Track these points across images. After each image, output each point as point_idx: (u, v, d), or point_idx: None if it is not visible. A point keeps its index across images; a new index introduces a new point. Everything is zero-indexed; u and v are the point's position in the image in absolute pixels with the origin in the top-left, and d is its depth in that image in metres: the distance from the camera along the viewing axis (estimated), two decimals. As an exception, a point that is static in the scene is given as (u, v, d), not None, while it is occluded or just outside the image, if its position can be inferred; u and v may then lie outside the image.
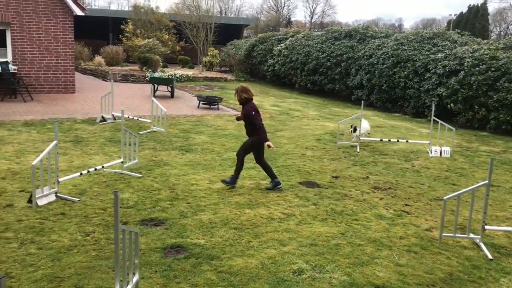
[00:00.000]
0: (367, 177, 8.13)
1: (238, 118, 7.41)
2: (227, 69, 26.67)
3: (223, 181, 7.14)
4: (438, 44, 15.80)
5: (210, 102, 14.91)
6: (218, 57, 26.66)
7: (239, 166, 7.11)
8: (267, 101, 17.12)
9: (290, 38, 22.00)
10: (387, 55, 16.37)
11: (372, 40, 18.09)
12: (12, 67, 14.20)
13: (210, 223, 5.72)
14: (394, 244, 5.40)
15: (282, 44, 21.99)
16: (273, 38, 23.70)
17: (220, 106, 14.94)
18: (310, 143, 10.57)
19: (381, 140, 10.51)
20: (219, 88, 20.26)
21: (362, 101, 11.40)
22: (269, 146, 6.91)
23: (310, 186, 7.47)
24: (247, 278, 4.45)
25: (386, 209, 6.59)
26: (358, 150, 10.03)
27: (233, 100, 16.59)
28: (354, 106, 16.92)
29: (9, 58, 14.58)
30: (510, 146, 11.37)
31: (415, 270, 4.79)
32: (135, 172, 7.54)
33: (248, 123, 7.06)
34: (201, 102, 14.88)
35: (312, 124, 12.92)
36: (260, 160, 7.17)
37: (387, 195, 7.19)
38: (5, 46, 14.60)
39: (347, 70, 18.14)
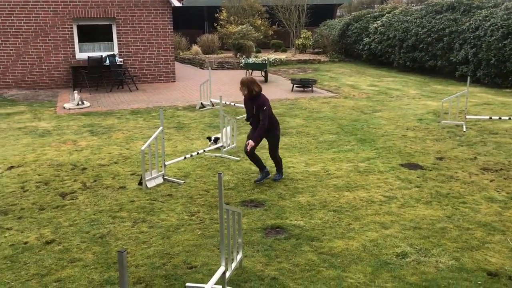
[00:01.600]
0: (475, 158, 7.61)
1: (248, 119, 6.72)
2: (320, 50, 26.29)
3: (257, 181, 6.52)
4: (557, 10, 14.19)
5: (304, 84, 14.83)
6: (311, 39, 26.35)
7: (279, 162, 6.65)
8: (363, 81, 16.64)
9: (387, 15, 21.09)
10: (496, 26, 15.05)
11: (478, 11, 16.73)
12: (118, 60, 15.24)
13: (309, 205, 5.73)
14: (508, 229, 5.02)
15: (378, 21, 21.16)
16: (368, 15, 22.87)
17: (314, 88, 14.81)
18: (411, 123, 10.11)
19: (490, 118, 9.74)
20: (312, 70, 20.08)
21: (468, 77, 10.62)
22: (248, 145, 6.28)
23: (413, 168, 7.17)
24: (349, 260, 4.41)
25: (498, 191, 6.13)
26: (464, 129, 9.40)
27: (327, 82, 16.37)
28: (458, 83, 15.85)
29: (116, 51, 15.65)
30: None
31: (533, 257, 4.42)
32: (233, 156, 7.76)
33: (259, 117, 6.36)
34: (295, 85, 14.85)
35: (412, 104, 12.34)
36: (275, 153, 6.60)
37: (498, 177, 6.68)
38: (111, 40, 15.69)
39: (450, 45, 17.00)
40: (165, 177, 6.69)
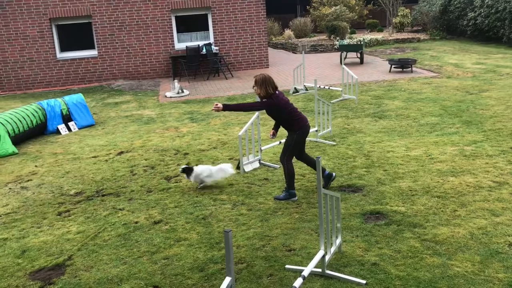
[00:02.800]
0: None
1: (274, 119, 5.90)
2: (419, 28, 24.93)
3: (277, 198, 5.55)
4: None
5: (403, 65, 14.18)
6: (409, 17, 25.07)
7: (290, 173, 5.51)
8: (468, 59, 15.51)
9: (494, -14, 19.37)
10: None
11: None
12: (214, 48, 15.69)
13: (410, 190, 5.51)
14: None
15: (484, -6, 19.52)
16: (473, -12, 21.18)
17: (413, 69, 14.11)
18: (524, 103, 9.27)
19: None
20: (411, 49, 19.12)
21: None
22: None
23: (526, 151, 6.58)
24: (455, 248, 4.18)
25: None
26: None
27: (428, 61, 15.51)
28: None
29: (211, 39, 16.13)
30: None
31: None
32: (329, 140, 7.67)
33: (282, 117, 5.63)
34: (392, 66, 14.26)
35: (525, 81, 11.29)
36: (302, 156, 5.80)
37: None
38: (207, 29, 16.18)
39: None
40: (261, 161, 6.80)
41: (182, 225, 5.04)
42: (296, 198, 5.48)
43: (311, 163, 5.75)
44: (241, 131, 6.47)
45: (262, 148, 6.98)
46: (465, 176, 5.83)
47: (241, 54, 16.47)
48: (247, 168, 6.57)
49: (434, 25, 23.09)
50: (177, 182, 6.32)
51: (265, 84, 5.39)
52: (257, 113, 6.77)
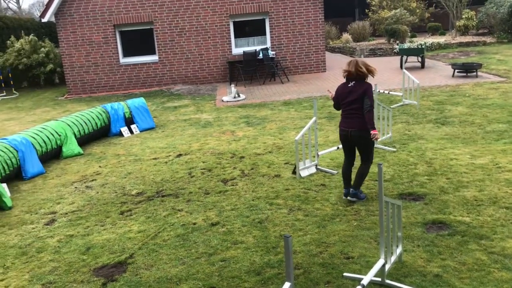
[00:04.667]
0: None
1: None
2: (485, 31, 23.84)
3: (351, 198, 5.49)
4: None
5: (467, 69, 13.59)
6: (474, 19, 24.05)
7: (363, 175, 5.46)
8: (538, 63, 14.64)
9: None
10: None
11: None
12: (271, 53, 15.75)
13: (475, 200, 5.25)
14: None
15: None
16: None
17: (479, 73, 13.49)
18: None
19: None
20: (476, 53, 18.32)
21: None
22: (376, 138, 5.22)
23: None
24: (527, 263, 3.93)
25: None
26: None
27: (495, 65, 14.79)
28: None
29: (268, 44, 16.20)
30: None
31: None
32: (389, 146, 7.47)
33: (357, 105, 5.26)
34: (456, 70, 13.70)
35: None
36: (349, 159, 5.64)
37: None
38: (264, 33, 16.28)
39: None
40: (318, 167, 6.73)
41: (239, 228, 5.07)
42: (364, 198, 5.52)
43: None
44: (298, 135, 6.43)
45: (319, 153, 6.91)
46: (536, 186, 5.49)
47: (298, 59, 16.43)
48: (304, 173, 6.52)
49: (502, 28, 22.01)
50: (233, 185, 6.38)
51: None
52: (314, 117, 6.71)
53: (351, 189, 5.49)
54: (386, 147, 7.41)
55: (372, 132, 5.18)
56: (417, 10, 24.80)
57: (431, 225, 4.79)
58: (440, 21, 26.46)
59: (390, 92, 11.19)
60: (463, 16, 23.92)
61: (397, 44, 19.39)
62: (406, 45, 17.47)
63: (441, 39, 21.96)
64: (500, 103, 9.83)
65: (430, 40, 21.36)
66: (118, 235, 5.15)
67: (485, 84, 12.04)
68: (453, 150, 7.07)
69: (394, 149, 7.31)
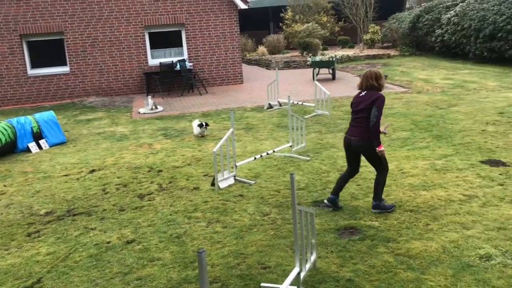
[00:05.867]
0: None
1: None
2: (389, 44, 25.52)
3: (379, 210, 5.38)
4: None
5: (374, 81, 14.43)
6: (379, 33, 25.67)
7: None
8: (437, 74, 15.93)
9: (461, 4, 20.04)
10: None
11: None
12: (188, 64, 15.69)
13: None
14: None
15: (451, 12, 20.16)
16: (440, 6, 21.85)
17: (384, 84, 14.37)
18: (491, 117, 9.54)
19: None
20: (382, 65, 19.52)
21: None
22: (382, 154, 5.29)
23: (494, 165, 6.75)
24: (428, 262, 4.23)
25: None
26: (551, 122, 8.73)
27: (398, 76, 15.85)
28: (542, 72, 14.75)
29: (185, 56, 16.13)
30: None
31: None
32: (303, 155, 7.72)
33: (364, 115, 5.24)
34: (364, 82, 14.50)
35: (492, 96, 11.64)
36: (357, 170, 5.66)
37: None
38: (181, 45, 16.19)
39: (532, 31, 15.85)
40: (236, 177, 6.79)
41: (156, 244, 4.96)
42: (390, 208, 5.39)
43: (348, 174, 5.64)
44: (216, 147, 6.45)
45: (237, 164, 6.97)
46: (436, 190, 5.94)
47: (216, 70, 16.51)
48: (222, 184, 6.54)
49: (404, 42, 23.68)
50: (150, 201, 6.24)
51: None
52: (231, 129, 6.77)
53: (372, 202, 5.38)
54: (300, 156, 7.65)
55: (377, 149, 5.17)
56: (328, 24, 25.98)
57: (344, 230, 5.00)
58: (349, 35, 27.93)
59: (303, 103, 11.62)
60: (370, 31, 25.44)
61: (310, 57, 20.13)
62: (318, 57, 18.21)
63: (350, 52, 23.15)
64: (403, 112, 10.54)
65: (340, 53, 22.44)
66: (24, 259, 4.83)
67: (390, 94, 12.86)
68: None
69: (308, 158, 7.56)
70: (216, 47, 16.30)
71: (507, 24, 16.69)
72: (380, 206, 5.35)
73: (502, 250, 4.36)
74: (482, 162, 6.86)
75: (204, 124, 9.47)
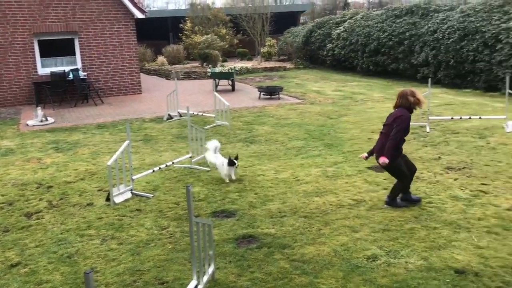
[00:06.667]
0: (439, 157, 7.81)
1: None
2: (285, 57, 26.57)
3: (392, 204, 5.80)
4: (510, 12, 14.78)
5: (271, 92, 14.94)
6: (276, 47, 26.61)
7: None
8: (329, 86, 16.88)
9: (349, 20, 21.51)
10: (453, 29, 15.56)
11: (436, 15, 17.27)
12: (82, 74, 14.98)
13: (279, 212, 5.75)
14: (473, 226, 5.16)
15: (341, 27, 21.55)
16: (331, 22, 23.27)
17: (280, 96, 14.92)
18: (377, 126, 10.30)
19: (452, 118, 10.04)
20: (278, 77, 20.24)
21: (430, 79, 10.92)
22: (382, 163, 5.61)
23: (379, 170, 7.28)
24: (320, 266, 4.44)
25: (462, 189, 6.31)
26: (428, 130, 9.65)
27: (293, 88, 16.53)
28: (420, 84, 16.24)
29: (79, 65, 15.38)
30: None
31: (497, 252, 4.56)
32: (203, 166, 7.72)
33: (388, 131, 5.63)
34: (262, 93, 14.94)
35: (377, 107, 12.59)
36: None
37: (461, 175, 6.87)
38: (74, 54, 15.42)
39: (410, 48, 17.47)
40: (133, 191, 6.60)
41: (44, 266, 4.64)
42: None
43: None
44: (111, 160, 6.22)
45: (134, 177, 6.78)
46: (328, 195, 6.26)
47: (112, 80, 15.95)
48: (118, 199, 6.31)
49: (298, 55, 24.79)
50: (39, 219, 5.83)
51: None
52: (127, 141, 6.58)
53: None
54: (201, 167, 7.64)
55: (380, 158, 5.56)
56: (227, 37, 26.40)
57: (242, 239, 5.08)
58: (247, 47, 28.61)
59: (203, 114, 11.65)
60: (267, 44, 26.27)
61: (210, 68, 20.28)
62: (218, 69, 18.42)
63: (248, 64, 23.71)
64: (298, 122, 11.01)
65: (239, 64, 22.89)
66: None
67: (286, 105, 13.37)
68: (260, 167, 7.64)
69: (208, 169, 7.58)
70: (113, 56, 15.77)
71: (389, 40, 18.20)
72: (390, 203, 5.81)
73: (386, 250, 4.71)
74: (369, 168, 7.38)
75: (235, 160, 6.91)
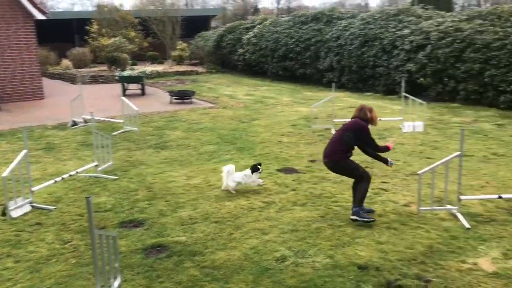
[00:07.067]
0: (344, 158, 8.18)
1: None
2: (197, 61, 26.46)
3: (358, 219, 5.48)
4: (404, 20, 15.93)
5: (183, 96, 14.78)
6: (187, 51, 26.41)
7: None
8: (240, 90, 17.05)
9: (258, 26, 21.91)
10: (355, 35, 16.45)
11: (339, 22, 18.14)
12: (-25, 78, 13.79)
13: (191, 219, 5.69)
14: (374, 222, 5.45)
15: (251, 32, 21.88)
16: (241, 27, 23.56)
17: (193, 100, 14.82)
18: (286, 129, 10.59)
19: (355, 120, 10.56)
20: (190, 81, 20.09)
21: (333, 84, 11.43)
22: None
23: (288, 172, 7.49)
24: (231, 271, 4.45)
25: (364, 188, 6.64)
26: (332, 132, 10.08)
27: (206, 92, 16.50)
28: (326, 89, 16.97)
29: (-29, 68, 14.15)
30: (480, 115, 11.60)
31: (396, 246, 4.86)
32: (110, 175, 7.43)
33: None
34: (173, 97, 14.73)
35: (286, 111, 12.94)
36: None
37: (364, 175, 7.24)
38: (-35, 56, 14.16)
39: (316, 53, 18.18)
40: (33, 204, 6.17)
41: None
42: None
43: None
44: (6, 171, 5.76)
45: (34, 189, 6.34)
46: (239, 199, 6.30)
47: (11, 85, 14.85)
48: (16, 213, 5.86)
49: (210, 59, 24.81)
50: None
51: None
52: (25, 150, 6.14)
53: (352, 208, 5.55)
54: (107, 176, 7.34)
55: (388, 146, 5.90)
56: (136, 40, 25.74)
57: (151, 249, 4.94)
58: (158, 51, 28.10)
59: (111, 120, 11.23)
60: (178, 47, 26.00)
61: (118, 72, 19.64)
62: (127, 72, 17.87)
63: (159, 68, 23.31)
64: (210, 126, 11.00)
65: (150, 68, 22.41)
66: None
67: (198, 109, 13.30)
68: (171, 173, 7.51)
69: (116, 177, 7.31)
70: (10, 59, 14.69)
71: (296, 46, 18.81)
72: (357, 213, 5.45)
73: (294, 250, 4.83)
74: (279, 170, 7.55)
75: (258, 166, 6.67)
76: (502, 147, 8.65)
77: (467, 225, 5.27)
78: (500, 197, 5.78)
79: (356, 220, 5.41)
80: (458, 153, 5.50)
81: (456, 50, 13.08)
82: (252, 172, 6.59)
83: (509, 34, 12.31)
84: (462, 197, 5.63)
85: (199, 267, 4.53)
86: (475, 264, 4.48)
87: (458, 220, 5.44)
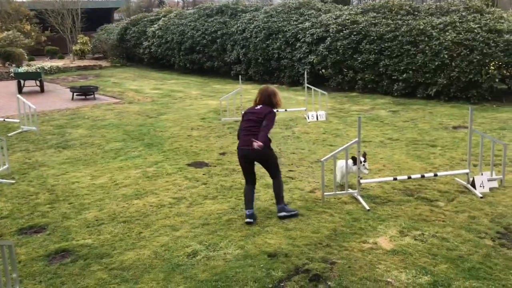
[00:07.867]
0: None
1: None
2: (101, 55, 25.35)
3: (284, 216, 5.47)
4: (305, 14, 16.48)
5: (85, 92, 14.10)
6: (89, 44, 25.20)
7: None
8: (147, 85, 16.64)
9: (163, 18, 21.46)
10: (259, 28, 16.71)
11: (243, 15, 18.32)
12: None
13: (97, 220, 5.48)
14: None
15: (155, 25, 21.38)
16: (145, 19, 22.93)
17: (96, 96, 14.20)
18: (195, 123, 10.53)
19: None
20: (94, 76, 19.23)
21: (240, 76, 11.56)
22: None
23: (199, 166, 7.47)
24: (141, 270, 4.36)
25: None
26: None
27: (110, 87, 15.90)
28: (234, 81, 17.11)
29: None
30: (377, 103, 12.38)
31: (303, 232, 5.05)
32: (6, 179, 6.92)
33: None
34: (75, 94, 14.01)
35: (195, 104, 12.86)
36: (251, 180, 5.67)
37: (272, 165, 7.43)
38: None
39: (223, 46, 18.22)
40: None
41: None
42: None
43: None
44: None
45: None
46: (148, 197, 6.18)
47: None
48: None
49: (114, 53, 23.91)
50: None
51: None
52: None
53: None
54: (4, 180, 6.83)
55: (254, 142, 5.16)
56: (33, 33, 24.09)
57: (54, 255, 4.69)
58: (58, 45, 26.52)
59: (6, 119, 10.46)
60: (79, 41, 24.73)
61: (13, 68, 18.27)
62: (23, 68, 16.67)
63: (60, 63, 22.05)
64: (116, 123, 10.62)
65: (49, 63, 21.13)
66: None
67: (102, 105, 12.78)
68: (74, 174, 7.16)
69: (13, 181, 6.83)
70: None
71: (203, 39, 18.73)
72: (285, 209, 5.48)
73: (206, 244, 4.84)
74: (189, 165, 7.50)
75: (362, 156, 6.03)
76: (396, 132, 9.31)
77: (367, 207, 5.63)
78: (395, 179, 6.23)
79: (285, 216, 5.46)
80: (356, 140, 5.83)
81: (353, 42, 13.81)
82: (354, 163, 6.03)
83: (400, 26, 13.24)
84: (361, 181, 5.99)
85: (107, 269, 4.38)
86: (375, 243, 4.79)
87: (359, 202, 5.79)
